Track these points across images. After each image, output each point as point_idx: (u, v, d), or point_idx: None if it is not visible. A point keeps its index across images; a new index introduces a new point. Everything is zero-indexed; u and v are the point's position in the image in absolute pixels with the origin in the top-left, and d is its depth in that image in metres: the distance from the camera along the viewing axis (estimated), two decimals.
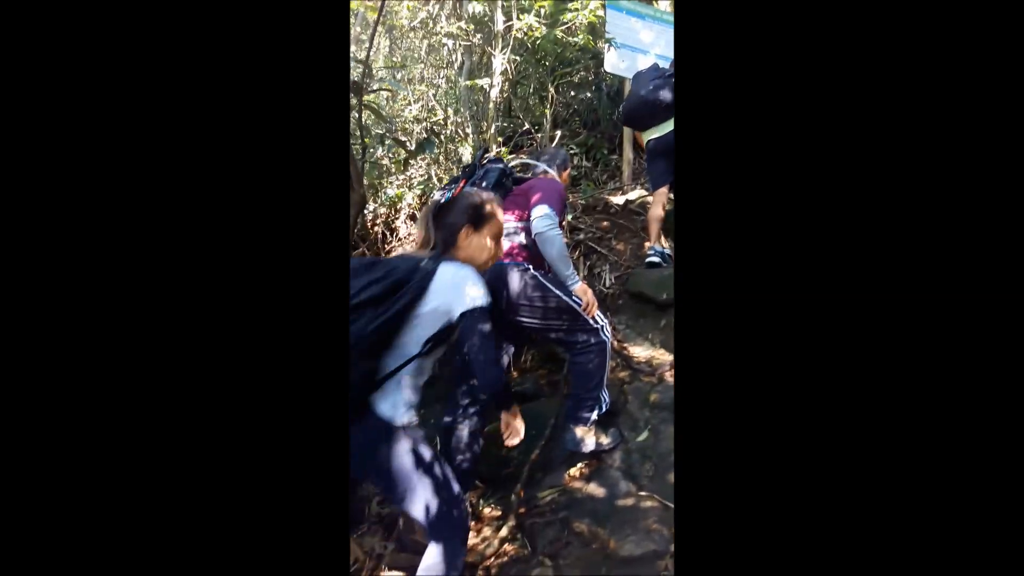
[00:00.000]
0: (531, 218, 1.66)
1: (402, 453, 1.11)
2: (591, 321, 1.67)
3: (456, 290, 1.15)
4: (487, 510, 1.74)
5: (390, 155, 3.15)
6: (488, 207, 1.29)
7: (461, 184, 1.34)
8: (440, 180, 3.20)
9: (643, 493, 1.56)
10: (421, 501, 1.11)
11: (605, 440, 1.74)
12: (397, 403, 1.13)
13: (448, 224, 1.25)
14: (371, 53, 2.01)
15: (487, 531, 1.65)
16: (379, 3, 2.01)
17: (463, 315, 1.13)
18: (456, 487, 1.16)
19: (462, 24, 3.05)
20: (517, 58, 3.20)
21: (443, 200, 1.29)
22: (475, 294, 1.15)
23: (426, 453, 1.14)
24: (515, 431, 1.30)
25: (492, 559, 1.53)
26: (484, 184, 1.66)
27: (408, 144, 2.69)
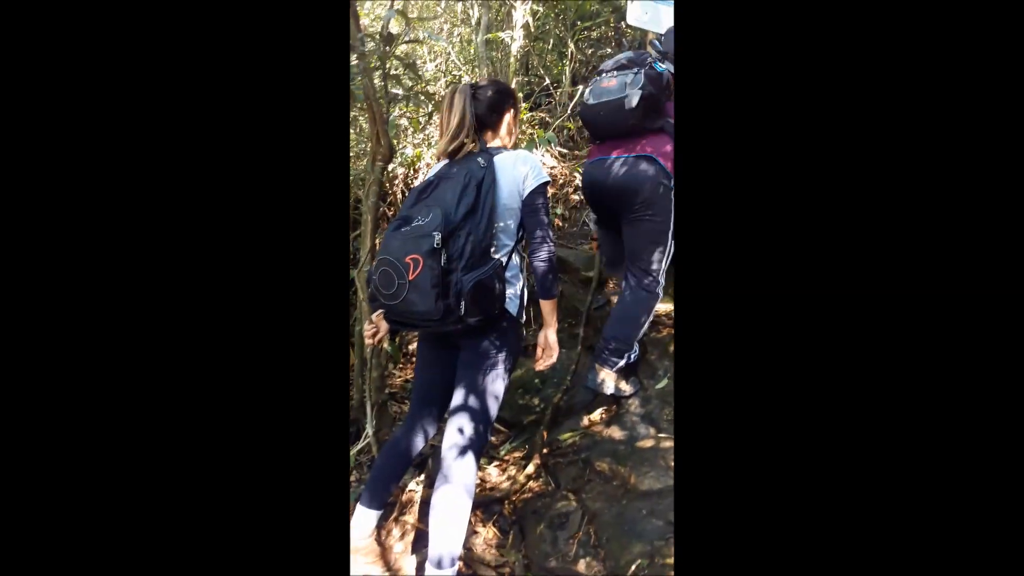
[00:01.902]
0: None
1: (518, 339, 1.33)
2: (660, 276, 1.73)
3: (520, 175, 1.30)
4: (514, 454, 1.83)
5: (408, 114, 3.14)
6: (508, 92, 1.42)
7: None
8: None
9: (662, 435, 1.62)
10: (501, 385, 1.31)
11: (625, 386, 1.79)
12: (514, 299, 1.30)
13: (491, 109, 1.36)
14: (395, 4, 1.99)
15: (512, 470, 1.74)
16: None
17: (531, 192, 1.29)
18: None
19: None
20: (539, 9, 3.12)
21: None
22: (538, 172, 1.31)
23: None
24: (550, 349, 1.35)
25: (517, 494, 1.61)
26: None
27: (428, 103, 2.67)
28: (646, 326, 1.76)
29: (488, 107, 1.34)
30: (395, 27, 1.90)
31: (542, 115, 3.57)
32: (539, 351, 1.36)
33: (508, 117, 1.39)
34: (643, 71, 1.66)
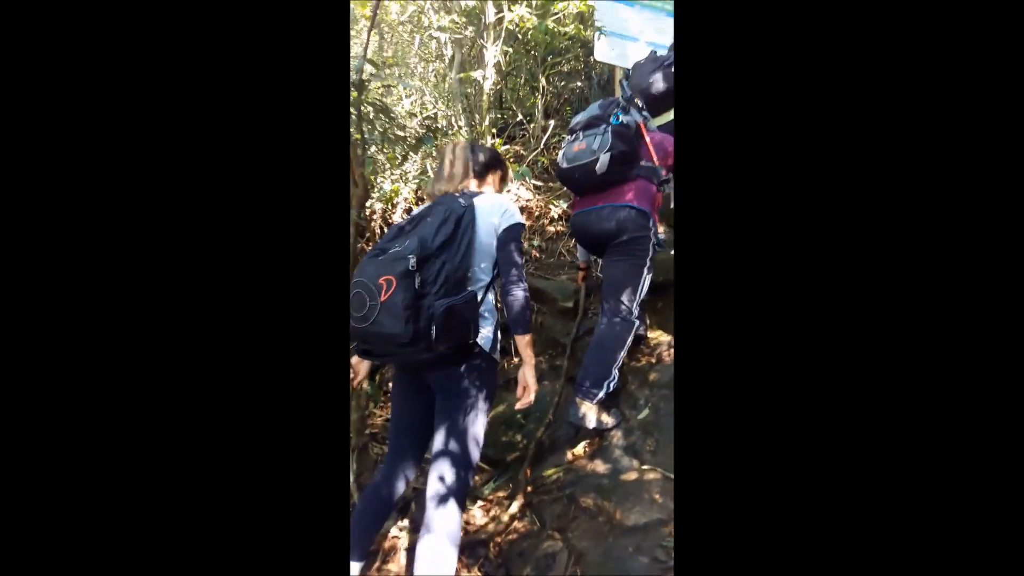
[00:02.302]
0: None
1: (492, 380, 1.34)
2: (634, 307, 1.79)
3: (497, 214, 1.35)
4: (497, 493, 1.80)
5: (385, 151, 3.18)
6: (500, 158, 1.56)
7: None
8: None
9: (646, 467, 1.62)
10: (480, 426, 1.31)
11: (607, 419, 1.80)
12: (489, 337, 1.31)
13: (479, 164, 1.49)
14: (367, 50, 2.04)
15: (496, 510, 1.71)
16: (373, 1, 2.03)
17: (505, 229, 1.34)
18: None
19: (454, 18, 3.07)
20: (509, 50, 3.23)
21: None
22: (513, 213, 1.37)
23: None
24: (529, 388, 1.35)
25: (502, 536, 1.59)
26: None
27: (406, 139, 2.72)
28: (624, 354, 1.79)
29: (485, 164, 1.48)
30: (366, 73, 1.95)
31: (516, 148, 3.65)
32: (519, 390, 1.37)
33: (496, 177, 1.52)
34: (609, 129, 1.76)
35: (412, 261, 1.18)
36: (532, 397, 1.35)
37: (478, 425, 1.30)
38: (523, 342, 1.34)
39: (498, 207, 1.36)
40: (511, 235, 1.34)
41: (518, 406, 1.37)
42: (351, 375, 1.40)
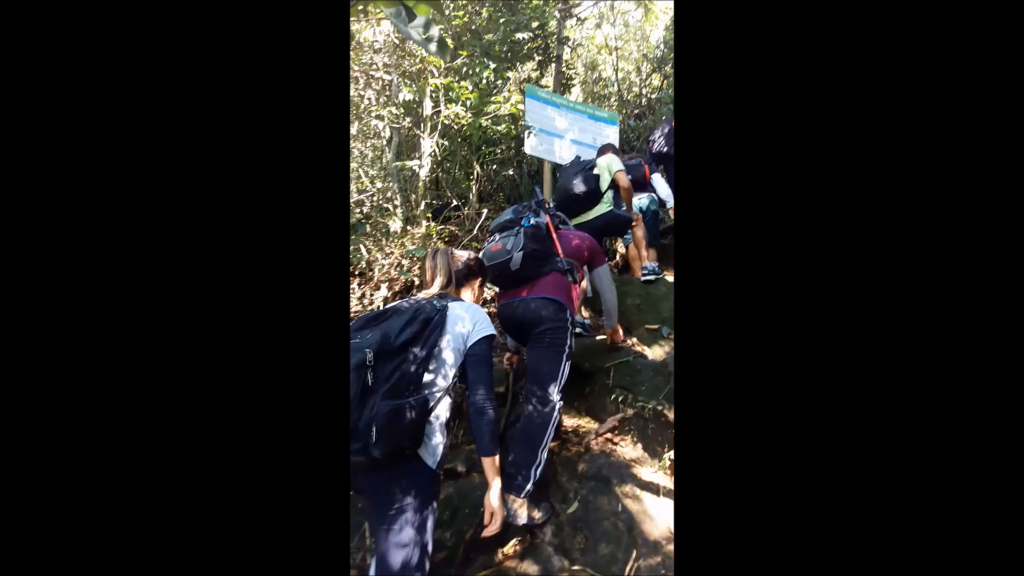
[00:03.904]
0: (594, 267, 2.16)
1: (432, 494, 1.26)
2: (555, 394, 1.84)
3: (468, 323, 1.34)
4: None
5: None
6: (482, 265, 1.63)
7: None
8: (368, 251, 3.23)
9: (576, 568, 1.61)
10: (418, 536, 1.23)
11: (537, 514, 1.79)
12: (436, 449, 1.25)
13: (460, 271, 1.54)
14: None
15: None
16: None
17: (477, 341, 1.32)
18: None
19: (392, 109, 3.23)
20: (444, 142, 3.42)
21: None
22: (486, 325, 1.37)
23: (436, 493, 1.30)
24: (497, 515, 1.32)
25: None
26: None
27: None
28: (549, 440, 1.82)
29: (465, 271, 1.56)
30: None
31: (451, 229, 3.76)
32: (487, 516, 1.33)
33: (476, 284, 1.60)
34: (522, 231, 1.99)
35: (370, 356, 1.17)
36: (498, 524, 1.32)
37: (416, 535, 1.22)
38: (489, 464, 1.31)
39: (471, 316, 1.37)
40: (481, 347, 1.34)
41: (485, 534, 1.33)
42: None
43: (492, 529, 1.32)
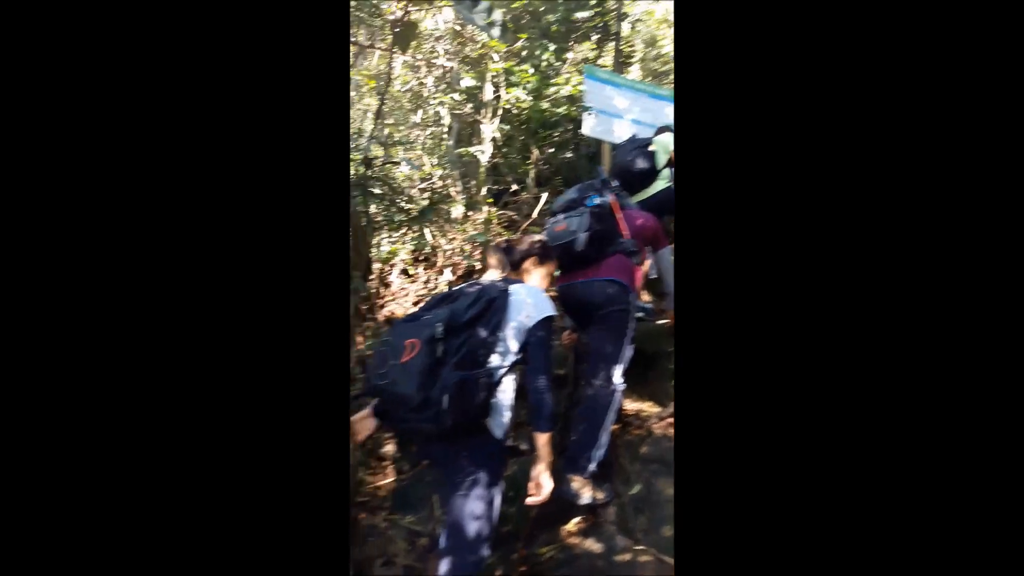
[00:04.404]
0: (658, 248, 2.18)
1: (499, 467, 1.36)
2: (617, 377, 1.85)
3: (530, 305, 1.39)
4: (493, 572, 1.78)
5: (385, 214, 3.29)
6: (546, 247, 1.67)
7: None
8: (433, 236, 3.34)
9: (639, 547, 1.64)
10: (487, 507, 1.31)
11: (600, 494, 1.82)
12: (502, 421, 1.34)
13: (523, 255, 1.61)
14: (375, 129, 2.18)
15: None
16: (383, 79, 2.19)
17: (538, 323, 1.37)
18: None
19: (455, 96, 3.28)
20: (506, 127, 3.44)
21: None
22: (545, 306, 1.41)
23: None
24: (543, 488, 1.36)
25: None
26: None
27: (405, 207, 2.83)
28: (611, 424, 1.84)
29: (520, 257, 1.63)
30: (374, 151, 2.07)
31: (510, 215, 3.80)
32: (532, 486, 1.38)
33: (537, 265, 1.63)
34: (586, 211, 1.94)
35: (440, 329, 1.25)
36: (542, 496, 1.36)
37: (484, 505, 1.30)
38: (542, 440, 1.36)
39: (532, 298, 1.42)
40: (540, 328, 1.38)
41: (528, 501, 1.38)
42: (355, 433, 1.40)
43: (537, 500, 1.37)
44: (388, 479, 2.31)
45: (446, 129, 4.02)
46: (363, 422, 1.40)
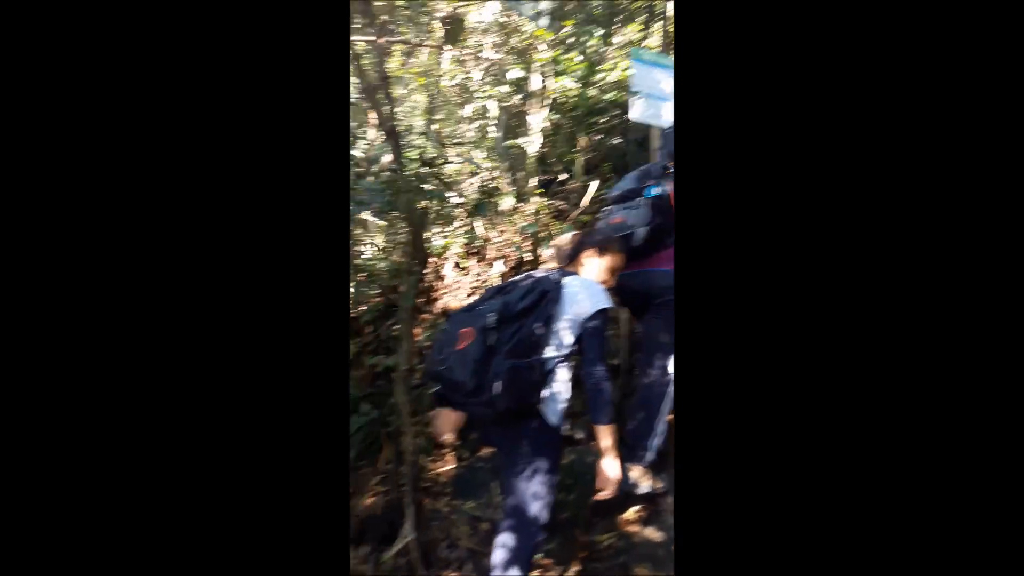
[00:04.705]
0: None
1: (556, 453, 1.39)
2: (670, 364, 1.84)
3: (584, 297, 1.41)
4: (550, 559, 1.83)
5: (438, 209, 3.37)
6: (601, 240, 1.65)
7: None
8: (485, 229, 3.39)
9: None
10: (543, 491, 1.34)
11: (658, 484, 1.82)
12: (557, 408, 1.37)
13: (578, 248, 1.61)
14: (426, 125, 2.23)
15: (552, 574, 1.74)
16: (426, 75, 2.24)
17: (593, 314, 1.39)
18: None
19: (502, 88, 3.30)
20: (556, 116, 3.42)
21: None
22: (601, 298, 1.43)
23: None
24: (610, 482, 1.38)
25: None
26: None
27: (457, 201, 2.89)
28: (668, 411, 1.83)
29: (574, 250, 1.64)
30: (431, 152, 2.13)
31: (558, 204, 3.79)
32: (600, 481, 1.40)
33: (594, 257, 1.62)
34: (646, 203, 1.91)
35: (493, 319, 1.31)
36: (612, 490, 1.39)
37: (541, 490, 1.34)
38: (603, 432, 1.37)
39: (587, 290, 1.44)
40: (596, 320, 1.40)
41: (598, 497, 1.41)
42: (441, 427, 1.49)
43: (606, 494, 1.39)
44: (448, 466, 2.40)
45: (494, 122, 4.05)
46: (447, 416, 1.46)
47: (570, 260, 1.61)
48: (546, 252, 1.68)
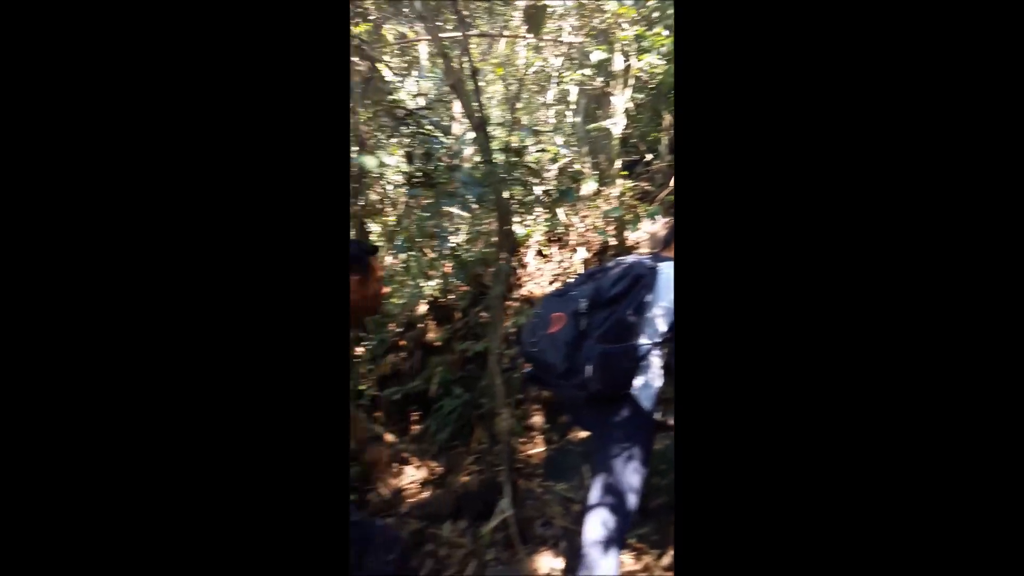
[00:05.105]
0: None
1: (648, 437, 1.38)
2: None
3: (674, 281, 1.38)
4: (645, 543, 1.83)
5: (520, 197, 3.42)
6: None
7: None
8: (566, 216, 3.39)
9: None
10: (634, 474, 1.33)
11: None
12: (651, 393, 1.37)
13: (666, 236, 1.55)
14: (507, 114, 2.27)
15: (648, 558, 1.74)
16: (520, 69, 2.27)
17: None
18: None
19: (584, 71, 3.26)
20: (639, 96, 3.33)
21: None
22: None
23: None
24: None
25: None
26: None
27: (551, 194, 2.91)
28: None
29: (667, 236, 1.59)
30: (522, 141, 2.17)
31: (643, 185, 3.69)
32: None
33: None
34: None
35: (584, 304, 1.33)
36: None
37: (632, 472, 1.34)
38: None
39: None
40: None
41: None
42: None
43: None
44: (539, 448, 2.46)
45: (574, 106, 4.01)
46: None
47: (666, 245, 1.56)
48: (635, 235, 1.64)
